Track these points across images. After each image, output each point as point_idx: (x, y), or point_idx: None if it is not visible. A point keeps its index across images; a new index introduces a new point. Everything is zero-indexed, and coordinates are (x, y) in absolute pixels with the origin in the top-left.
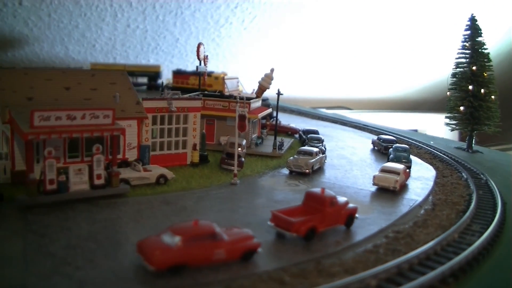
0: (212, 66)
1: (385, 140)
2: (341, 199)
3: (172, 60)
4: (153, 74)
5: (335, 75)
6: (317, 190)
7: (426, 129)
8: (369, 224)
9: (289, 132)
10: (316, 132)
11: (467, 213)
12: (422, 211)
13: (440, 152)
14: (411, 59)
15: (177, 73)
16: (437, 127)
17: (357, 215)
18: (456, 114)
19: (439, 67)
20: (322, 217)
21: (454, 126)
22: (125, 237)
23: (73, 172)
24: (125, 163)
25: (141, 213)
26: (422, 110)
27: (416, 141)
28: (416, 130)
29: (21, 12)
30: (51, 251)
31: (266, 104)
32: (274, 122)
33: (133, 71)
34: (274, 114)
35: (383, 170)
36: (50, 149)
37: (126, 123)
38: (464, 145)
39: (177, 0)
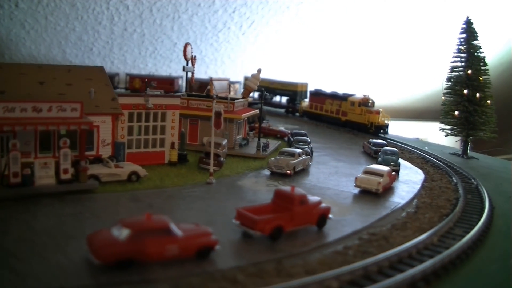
0: (211, 72)
1: (375, 144)
2: (313, 198)
3: (170, 65)
4: (291, 93)
5: (335, 82)
6: (286, 188)
7: (428, 137)
8: (343, 225)
9: (278, 135)
10: (304, 135)
11: (450, 216)
12: (403, 214)
13: (433, 158)
14: (414, 67)
15: (315, 95)
16: (439, 135)
17: (330, 215)
18: (451, 119)
19: (441, 76)
20: (291, 216)
21: (449, 131)
22: (81, 233)
23: (39, 165)
24: (98, 160)
25: (104, 209)
26: (425, 119)
27: (409, 146)
28: (417, 138)
29: (17, 14)
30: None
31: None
32: (263, 124)
33: (275, 89)
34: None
35: (366, 172)
36: (15, 142)
37: (100, 118)
38: (459, 151)
39: (174, 4)
